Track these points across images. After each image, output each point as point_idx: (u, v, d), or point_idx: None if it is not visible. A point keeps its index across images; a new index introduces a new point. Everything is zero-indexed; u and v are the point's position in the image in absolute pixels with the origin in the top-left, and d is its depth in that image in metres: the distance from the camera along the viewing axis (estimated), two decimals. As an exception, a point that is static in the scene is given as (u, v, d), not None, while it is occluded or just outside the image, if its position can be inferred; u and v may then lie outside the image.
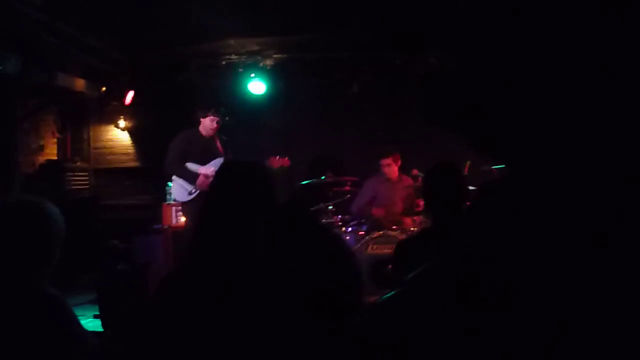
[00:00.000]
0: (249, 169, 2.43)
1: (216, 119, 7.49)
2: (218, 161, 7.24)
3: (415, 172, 7.91)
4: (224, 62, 9.36)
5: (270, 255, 1.74)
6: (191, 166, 7.33)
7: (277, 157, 7.68)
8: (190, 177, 7.27)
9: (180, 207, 8.11)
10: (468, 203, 3.35)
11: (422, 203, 7.80)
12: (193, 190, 7.28)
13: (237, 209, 2.29)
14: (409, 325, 1.13)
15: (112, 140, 10.76)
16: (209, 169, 7.17)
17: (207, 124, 7.49)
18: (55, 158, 10.11)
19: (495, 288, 1.04)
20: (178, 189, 7.44)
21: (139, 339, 2.47)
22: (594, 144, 1.01)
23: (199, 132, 7.53)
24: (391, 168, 7.98)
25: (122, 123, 10.50)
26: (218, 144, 7.59)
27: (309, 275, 1.65)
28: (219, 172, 2.48)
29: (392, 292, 1.24)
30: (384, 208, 7.95)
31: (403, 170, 8.29)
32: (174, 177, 7.47)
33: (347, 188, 8.34)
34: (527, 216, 1.04)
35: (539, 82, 1.04)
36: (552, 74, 1.04)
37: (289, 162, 7.87)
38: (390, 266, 4.06)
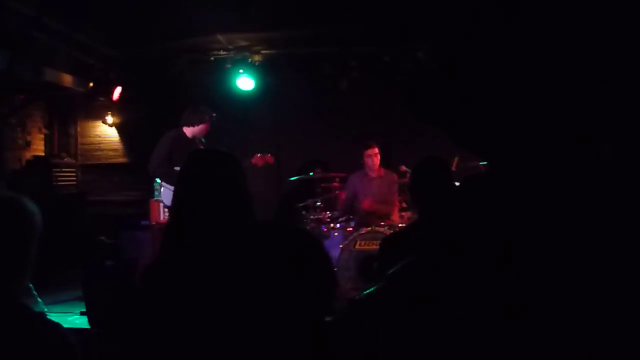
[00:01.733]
0: (217, 156, 2.43)
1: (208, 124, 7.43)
2: None
3: (403, 168, 7.91)
4: (212, 58, 9.34)
5: (247, 249, 1.74)
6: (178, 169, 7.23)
7: (259, 155, 7.64)
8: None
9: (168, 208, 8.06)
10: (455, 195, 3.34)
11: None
12: None
13: (209, 197, 2.29)
14: (387, 320, 1.13)
15: (99, 136, 10.72)
16: None
17: (201, 129, 7.38)
18: (42, 154, 10.06)
19: (473, 283, 1.05)
20: (168, 193, 7.30)
21: (125, 331, 2.47)
22: (572, 141, 1.02)
23: (183, 133, 7.37)
24: (378, 157, 7.95)
25: (109, 119, 10.45)
26: (199, 145, 7.51)
27: (282, 274, 1.66)
28: (189, 161, 2.47)
29: (372, 288, 1.24)
30: (371, 199, 7.94)
31: (391, 166, 8.29)
32: (163, 182, 7.35)
33: (336, 184, 8.34)
34: (506, 212, 1.05)
35: (518, 81, 1.05)
36: (531, 73, 1.04)
37: (273, 159, 7.84)
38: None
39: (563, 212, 1.04)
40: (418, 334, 1.11)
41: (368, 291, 1.32)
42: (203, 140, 7.54)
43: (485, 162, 7.44)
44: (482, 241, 1.08)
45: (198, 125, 7.35)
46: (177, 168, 7.04)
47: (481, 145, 1.16)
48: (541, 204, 1.04)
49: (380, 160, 8.06)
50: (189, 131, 7.37)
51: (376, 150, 7.95)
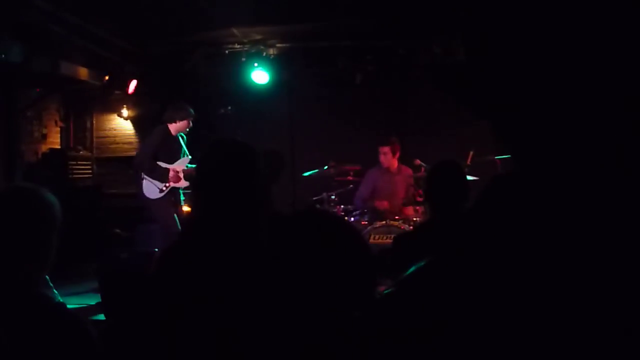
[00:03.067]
0: (236, 147, 2.44)
1: (191, 121, 7.70)
2: (185, 159, 7.64)
3: (417, 162, 7.90)
4: (227, 52, 9.34)
5: (274, 239, 1.74)
6: (162, 165, 7.51)
7: None
8: (161, 174, 7.43)
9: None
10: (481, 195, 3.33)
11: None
12: (164, 188, 7.47)
13: (228, 187, 2.30)
14: (409, 319, 1.12)
15: (115, 129, 10.75)
16: (178, 167, 7.52)
17: (183, 126, 7.67)
18: (58, 147, 10.12)
19: (498, 284, 1.02)
20: (149, 187, 7.52)
21: (137, 318, 2.48)
22: (611, 145, 0.98)
23: (169, 130, 7.65)
24: (387, 157, 7.96)
25: (125, 112, 10.49)
26: (181, 141, 7.77)
27: (315, 264, 1.65)
28: (209, 152, 2.48)
29: (393, 287, 1.22)
30: (386, 200, 7.95)
31: (406, 159, 8.28)
32: (144, 175, 7.54)
33: (350, 178, 8.33)
34: (535, 215, 1.01)
35: (557, 81, 1.01)
36: (572, 70, 1.01)
37: None
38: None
39: (597, 221, 1.00)
40: (439, 332, 1.09)
41: (389, 290, 1.31)
42: (184, 135, 7.78)
43: (503, 157, 7.41)
44: (509, 246, 1.06)
45: (180, 121, 7.62)
46: (161, 163, 7.37)
47: (521, 140, 1.11)
48: (574, 211, 1.01)
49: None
50: (172, 127, 7.64)
51: (386, 149, 7.95)
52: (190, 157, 7.67)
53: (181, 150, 7.70)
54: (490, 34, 1.11)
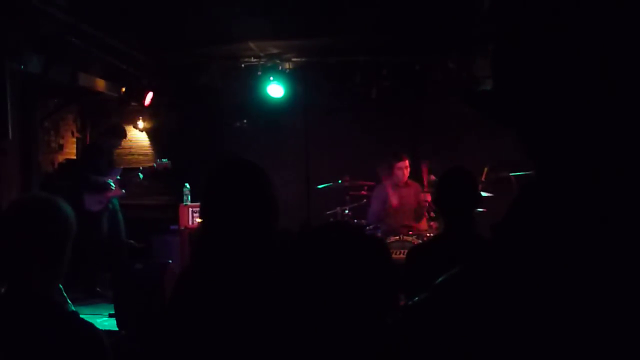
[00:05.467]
0: (241, 166, 2.44)
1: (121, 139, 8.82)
2: (117, 170, 8.60)
3: (432, 177, 7.87)
4: (243, 65, 9.39)
5: (289, 255, 1.74)
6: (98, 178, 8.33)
7: (159, 161, 8.92)
8: (103, 187, 8.27)
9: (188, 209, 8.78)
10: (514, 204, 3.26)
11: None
12: (104, 199, 8.26)
13: (236, 206, 2.30)
14: (442, 327, 1.11)
15: (130, 141, 10.78)
16: (112, 178, 8.41)
17: (117, 143, 8.82)
18: (75, 157, 10.18)
19: (531, 294, 1.00)
20: (89, 199, 8.16)
21: (155, 340, 2.49)
22: None
23: (101, 148, 8.55)
24: (408, 169, 7.95)
25: (140, 124, 10.54)
26: (112, 156, 8.79)
27: (332, 276, 1.65)
28: (215, 171, 2.47)
29: (426, 294, 1.21)
30: (398, 213, 7.91)
31: (420, 175, 8.27)
32: (86, 190, 8.20)
33: (364, 192, 8.32)
34: (574, 225, 0.98)
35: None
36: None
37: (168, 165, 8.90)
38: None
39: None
40: (472, 340, 1.07)
41: (421, 297, 1.29)
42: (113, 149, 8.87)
43: (518, 174, 7.39)
44: (540, 255, 1.02)
45: (109, 140, 8.64)
46: (98, 177, 8.21)
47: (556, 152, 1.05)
48: (610, 223, 0.97)
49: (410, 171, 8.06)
50: (105, 145, 8.62)
51: (407, 163, 7.93)
52: (121, 168, 8.72)
53: (112, 163, 8.73)
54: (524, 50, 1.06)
